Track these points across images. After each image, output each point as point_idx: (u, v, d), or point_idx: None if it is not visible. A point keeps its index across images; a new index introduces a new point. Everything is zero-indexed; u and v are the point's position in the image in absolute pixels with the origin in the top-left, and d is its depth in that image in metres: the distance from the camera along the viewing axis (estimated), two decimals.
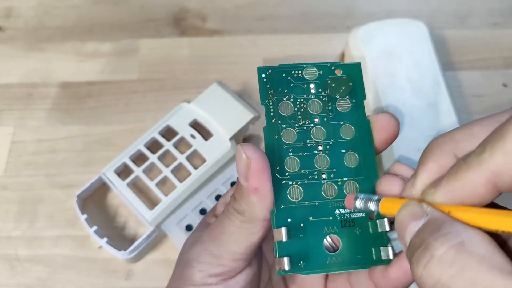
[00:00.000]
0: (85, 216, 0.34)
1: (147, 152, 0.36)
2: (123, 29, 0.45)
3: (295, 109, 0.23)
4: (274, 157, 0.22)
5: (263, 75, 0.23)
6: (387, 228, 0.21)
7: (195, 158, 0.36)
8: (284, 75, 0.23)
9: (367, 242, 0.21)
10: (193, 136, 0.36)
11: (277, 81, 0.23)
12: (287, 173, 0.22)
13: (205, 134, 0.36)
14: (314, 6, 0.46)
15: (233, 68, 0.43)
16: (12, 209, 0.37)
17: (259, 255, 0.24)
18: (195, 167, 0.35)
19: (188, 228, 0.34)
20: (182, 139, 0.36)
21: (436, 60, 0.37)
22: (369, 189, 0.22)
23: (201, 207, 0.35)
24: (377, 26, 0.38)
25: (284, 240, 0.21)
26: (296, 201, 0.21)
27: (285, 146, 0.22)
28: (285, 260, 0.20)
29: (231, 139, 0.36)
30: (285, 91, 0.23)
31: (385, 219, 0.21)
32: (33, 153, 0.39)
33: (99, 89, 0.42)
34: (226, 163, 0.36)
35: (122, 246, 0.33)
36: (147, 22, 0.45)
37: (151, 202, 0.36)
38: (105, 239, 0.33)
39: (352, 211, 0.22)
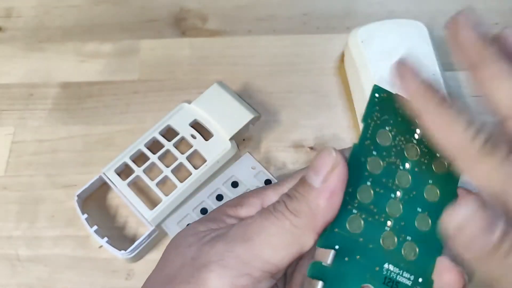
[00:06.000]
0: (85, 216, 0.34)
1: (148, 152, 0.36)
2: (124, 30, 0.45)
3: (392, 143, 0.21)
4: (351, 178, 0.19)
5: (377, 95, 0.21)
6: None
7: (195, 158, 0.36)
8: (397, 106, 0.21)
9: None
10: (193, 136, 0.36)
11: (388, 108, 0.21)
12: (356, 200, 0.20)
13: (206, 134, 0.36)
14: (314, 6, 0.46)
15: (233, 69, 0.43)
16: (12, 209, 0.37)
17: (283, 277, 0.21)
18: (196, 167, 0.35)
19: None
20: (182, 139, 0.36)
21: (436, 61, 0.37)
22: (426, 265, 0.20)
23: (202, 207, 0.35)
24: (377, 27, 0.38)
25: (328, 263, 0.19)
26: (352, 232, 0.19)
27: (366, 173, 0.20)
28: (319, 284, 0.18)
29: (231, 139, 0.36)
30: (390, 121, 0.21)
31: None
32: (34, 153, 0.39)
33: (99, 89, 0.42)
34: (226, 163, 0.36)
35: (122, 246, 0.33)
36: (148, 23, 0.45)
37: (152, 202, 0.36)
38: (105, 238, 0.33)
39: (401, 273, 0.19)
